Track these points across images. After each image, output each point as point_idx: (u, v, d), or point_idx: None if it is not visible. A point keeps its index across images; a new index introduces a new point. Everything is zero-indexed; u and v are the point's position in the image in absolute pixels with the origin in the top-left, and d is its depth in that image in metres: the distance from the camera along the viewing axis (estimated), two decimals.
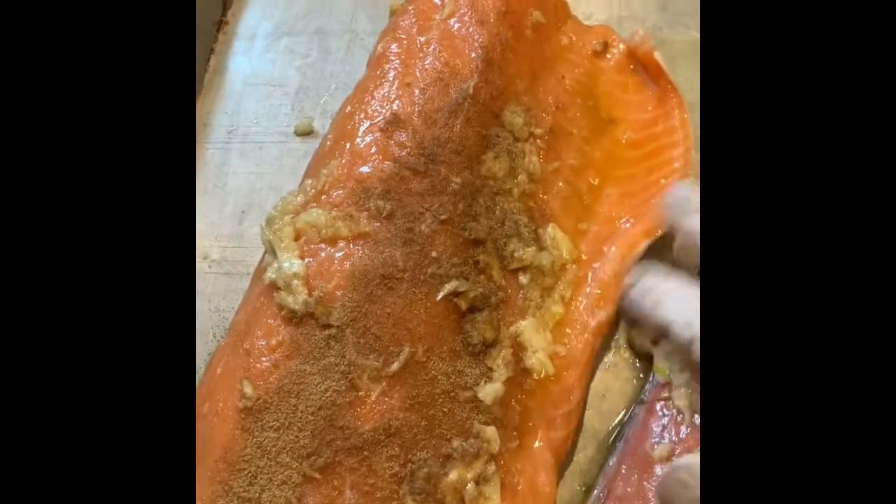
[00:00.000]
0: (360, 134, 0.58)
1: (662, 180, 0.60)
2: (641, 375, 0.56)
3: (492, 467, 0.48)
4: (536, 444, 0.51)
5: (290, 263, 0.52)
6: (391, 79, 0.60)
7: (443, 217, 0.53)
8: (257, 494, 0.47)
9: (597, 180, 0.61)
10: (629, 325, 0.57)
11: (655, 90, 0.65)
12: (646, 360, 0.55)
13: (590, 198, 0.60)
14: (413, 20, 0.64)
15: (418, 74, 0.60)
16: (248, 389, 0.49)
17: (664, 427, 0.50)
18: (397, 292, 0.51)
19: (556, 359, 0.53)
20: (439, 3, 0.64)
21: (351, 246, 0.53)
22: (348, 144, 0.57)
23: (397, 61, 0.61)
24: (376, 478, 0.47)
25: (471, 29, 0.62)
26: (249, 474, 0.47)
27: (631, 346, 0.57)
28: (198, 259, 0.63)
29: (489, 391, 0.50)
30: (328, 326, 0.50)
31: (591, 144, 0.62)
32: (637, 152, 0.62)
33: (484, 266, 0.53)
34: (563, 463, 0.52)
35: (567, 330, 0.54)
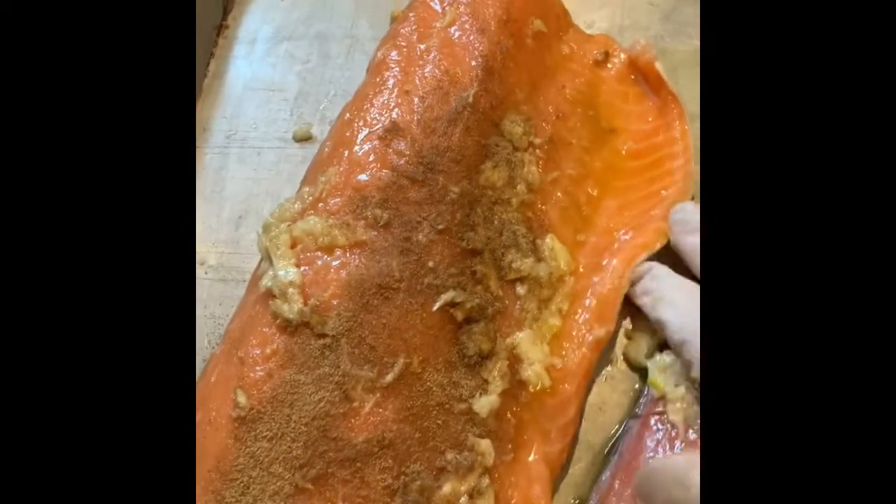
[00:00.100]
0: (358, 141, 0.57)
1: (662, 192, 0.60)
2: (637, 387, 0.56)
3: (486, 480, 0.48)
4: (531, 458, 0.51)
5: (286, 272, 0.52)
6: (391, 86, 0.60)
7: (440, 227, 0.53)
8: None
9: (596, 191, 0.60)
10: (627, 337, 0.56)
11: (656, 100, 0.64)
12: (641, 373, 0.55)
13: (589, 209, 0.59)
14: (413, 27, 0.63)
15: (418, 82, 0.59)
16: (241, 399, 0.49)
17: (658, 442, 0.50)
18: (393, 302, 0.51)
19: (553, 371, 0.52)
20: (440, 10, 0.64)
21: (347, 255, 0.52)
22: (346, 152, 0.57)
23: (397, 69, 0.61)
24: (369, 490, 0.46)
25: (471, 37, 0.61)
26: (242, 484, 0.47)
27: (626, 360, 0.56)
28: None
29: (484, 403, 0.49)
30: (323, 336, 0.50)
31: (591, 154, 0.62)
32: (637, 163, 0.62)
33: (481, 276, 0.53)
34: (557, 476, 0.52)
35: (564, 343, 0.54)
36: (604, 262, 0.57)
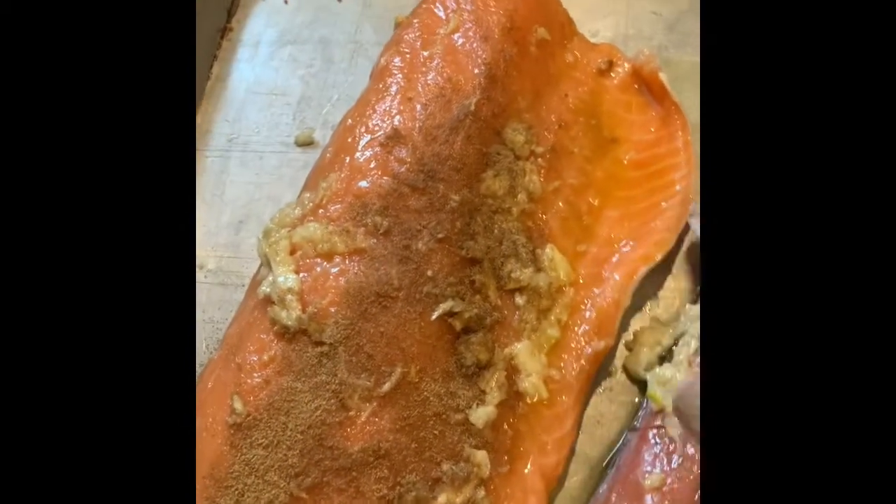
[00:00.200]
0: (359, 148, 0.57)
1: (662, 203, 0.59)
2: (637, 400, 0.55)
3: (481, 492, 0.48)
4: (527, 470, 0.50)
5: (285, 278, 0.52)
6: (393, 93, 0.60)
7: (440, 235, 0.53)
8: None
9: (597, 201, 0.60)
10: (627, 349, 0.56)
11: (659, 111, 0.64)
12: (641, 385, 0.55)
13: (589, 219, 0.59)
14: (417, 34, 0.63)
15: (420, 89, 0.59)
16: (238, 405, 0.48)
17: (656, 456, 0.50)
18: (392, 311, 0.50)
19: (551, 383, 0.52)
20: (444, 17, 0.63)
21: (347, 262, 0.52)
22: (348, 158, 0.57)
23: (400, 75, 0.61)
24: (364, 500, 0.46)
25: (475, 45, 0.61)
26: (236, 492, 0.46)
27: (626, 372, 0.56)
28: None
29: (481, 414, 0.49)
30: (321, 343, 0.49)
31: (593, 164, 0.61)
32: (639, 173, 0.62)
33: (480, 286, 0.53)
34: (553, 489, 0.52)
35: (563, 354, 0.54)
36: (604, 274, 0.57)
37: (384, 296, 0.51)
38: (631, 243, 0.58)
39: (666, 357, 0.56)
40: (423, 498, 0.46)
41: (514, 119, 0.60)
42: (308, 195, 0.56)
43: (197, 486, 0.48)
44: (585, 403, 0.55)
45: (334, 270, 0.52)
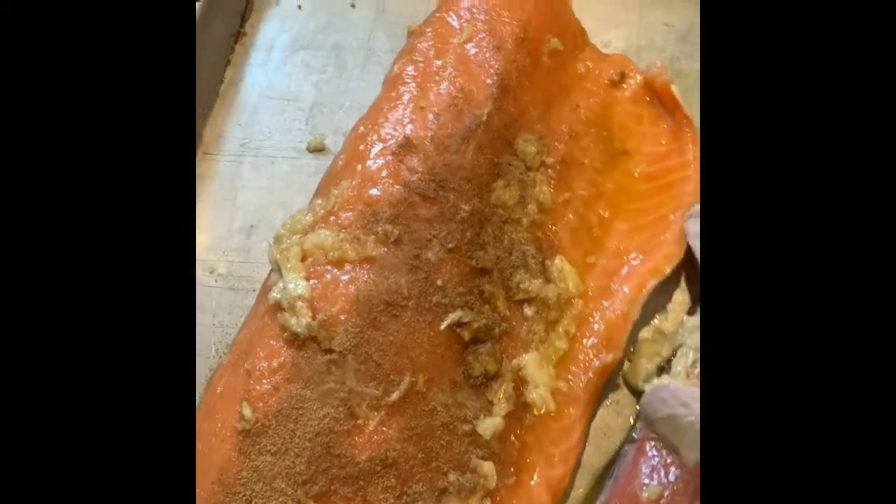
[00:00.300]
0: (371, 156, 0.57)
1: (672, 216, 0.60)
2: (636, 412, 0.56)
3: (487, 503, 0.48)
4: (533, 482, 0.51)
5: (296, 284, 0.52)
6: (405, 101, 0.60)
7: (450, 245, 0.53)
8: None
9: (607, 213, 0.60)
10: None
11: (671, 123, 0.64)
12: (640, 397, 0.55)
13: (599, 230, 0.59)
14: (430, 43, 0.63)
15: (433, 98, 0.60)
16: (247, 412, 0.49)
17: (654, 468, 0.50)
18: (401, 320, 0.51)
19: (558, 395, 0.52)
20: (457, 26, 0.64)
21: (357, 270, 0.53)
22: (359, 166, 0.57)
23: (412, 84, 0.61)
24: None
25: (487, 54, 0.61)
26: (244, 498, 0.47)
27: (626, 383, 0.56)
28: (204, 272, 0.63)
29: (488, 425, 0.49)
30: (330, 351, 0.50)
31: (603, 176, 0.62)
32: (649, 186, 0.62)
33: (489, 296, 0.53)
34: (559, 501, 0.52)
35: (571, 366, 0.54)
36: (613, 286, 0.57)
37: (394, 304, 0.51)
38: (640, 256, 0.58)
39: (665, 368, 0.56)
40: None
41: (525, 130, 0.60)
42: (319, 202, 0.57)
43: (205, 492, 0.48)
44: (593, 416, 0.55)
45: (344, 278, 0.52)
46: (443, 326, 0.51)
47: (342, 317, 0.51)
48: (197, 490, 0.48)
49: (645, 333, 0.57)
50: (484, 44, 0.62)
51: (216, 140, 0.70)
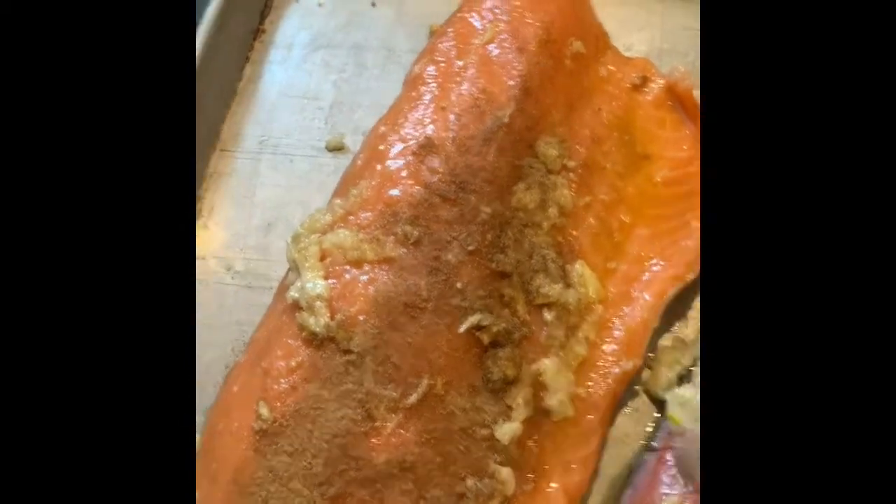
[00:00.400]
0: (391, 156, 0.57)
1: (693, 222, 0.59)
2: (657, 415, 0.55)
3: None
4: (551, 488, 0.50)
5: (314, 284, 0.52)
6: (426, 102, 0.60)
7: (470, 248, 0.52)
8: None
9: (628, 218, 0.60)
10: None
11: (693, 129, 0.63)
12: (660, 405, 0.54)
13: (620, 236, 0.59)
14: (452, 43, 0.63)
15: (454, 99, 0.59)
16: (264, 411, 0.49)
17: (674, 477, 0.49)
18: (419, 322, 0.50)
19: (577, 401, 0.52)
20: (479, 27, 0.63)
21: (376, 270, 0.52)
22: (379, 166, 0.57)
23: (433, 84, 0.61)
24: None
25: (510, 56, 0.61)
26: (260, 499, 0.47)
27: (646, 391, 0.55)
28: (221, 270, 0.63)
29: (507, 430, 0.49)
30: (348, 352, 0.49)
31: (625, 180, 0.61)
32: (671, 191, 0.61)
33: (509, 300, 0.52)
34: None
35: (590, 373, 0.53)
36: (634, 293, 0.56)
37: (413, 306, 0.51)
38: (661, 262, 0.57)
39: (686, 377, 0.55)
40: None
41: (547, 132, 0.59)
42: (338, 201, 0.56)
43: (220, 491, 0.48)
44: (611, 423, 0.54)
45: (363, 278, 0.52)
46: (462, 329, 0.50)
47: (361, 317, 0.50)
48: (213, 489, 0.48)
49: (665, 341, 0.56)
50: (506, 45, 0.61)
51: (234, 137, 0.70)
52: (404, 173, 0.56)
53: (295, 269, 0.54)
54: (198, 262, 0.63)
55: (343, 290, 0.52)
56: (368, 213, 0.55)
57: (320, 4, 0.77)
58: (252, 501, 0.46)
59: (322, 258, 0.53)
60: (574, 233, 0.57)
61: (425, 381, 0.49)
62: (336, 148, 0.69)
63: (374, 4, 0.77)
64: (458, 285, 0.51)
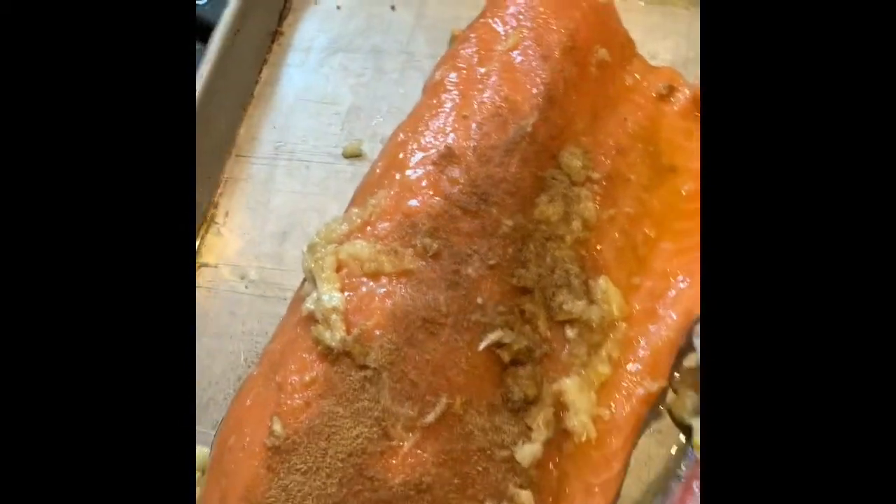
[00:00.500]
0: (411, 165, 0.56)
1: None
2: (684, 440, 0.53)
3: None
4: None
5: (330, 296, 0.50)
6: (447, 109, 0.58)
7: (491, 262, 0.51)
8: None
9: (653, 232, 0.58)
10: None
11: None
12: (687, 430, 0.53)
13: (645, 250, 0.57)
14: (474, 49, 0.62)
15: (476, 107, 0.58)
16: (277, 427, 0.47)
17: None
18: (438, 338, 0.49)
19: (600, 423, 0.50)
20: (502, 33, 0.62)
21: (393, 283, 0.51)
22: (398, 175, 0.55)
23: (455, 91, 0.59)
24: None
25: (534, 63, 0.59)
26: None
27: (671, 415, 0.54)
28: (234, 278, 0.62)
29: (527, 452, 0.47)
30: (364, 367, 0.48)
31: (650, 193, 0.59)
32: (697, 205, 0.59)
33: (530, 316, 0.51)
34: None
35: (613, 393, 0.52)
36: (660, 311, 0.54)
37: (431, 321, 0.49)
38: (688, 279, 0.56)
39: None
40: None
41: (570, 143, 0.58)
42: (356, 211, 0.55)
43: None
44: (634, 446, 0.53)
45: (381, 291, 0.51)
46: (482, 347, 0.49)
47: (377, 332, 0.49)
48: None
49: (690, 362, 0.54)
50: (530, 52, 0.60)
51: (250, 142, 0.69)
52: (424, 183, 0.54)
53: (311, 279, 0.53)
54: (211, 270, 0.62)
55: (359, 304, 0.50)
56: (386, 224, 0.53)
57: (339, 7, 0.76)
58: None
59: (338, 269, 0.52)
60: (598, 247, 0.56)
61: (444, 400, 0.47)
62: (353, 155, 0.67)
63: (393, 8, 0.75)
64: (479, 300, 0.50)
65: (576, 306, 0.52)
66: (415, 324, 0.49)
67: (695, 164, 0.61)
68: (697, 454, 0.50)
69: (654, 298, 0.55)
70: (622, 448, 0.51)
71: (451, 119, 0.57)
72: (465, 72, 0.60)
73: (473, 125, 0.56)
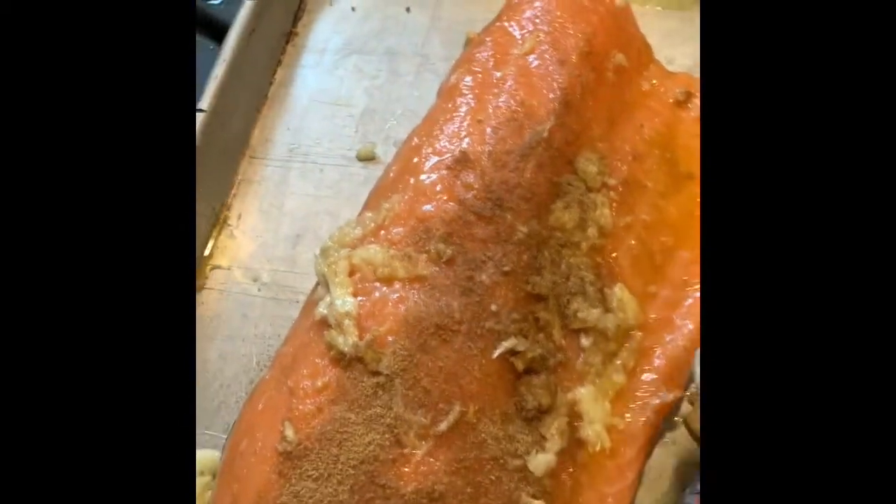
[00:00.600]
0: (425, 170, 0.55)
1: None
2: (699, 453, 0.53)
3: None
4: None
5: (343, 301, 0.50)
6: (462, 114, 0.58)
7: (506, 268, 0.50)
8: None
9: (670, 240, 0.57)
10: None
11: None
12: None
13: (661, 258, 0.57)
14: (490, 53, 0.61)
15: (491, 111, 0.57)
16: (289, 432, 0.47)
17: None
18: (452, 345, 0.48)
19: (614, 432, 0.50)
20: (519, 37, 0.61)
21: (407, 289, 0.50)
22: (412, 179, 0.55)
23: (470, 95, 0.59)
24: None
25: (550, 68, 0.59)
26: None
27: (687, 427, 0.53)
28: (247, 281, 0.62)
29: (541, 462, 0.47)
30: (377, 374, 0.48)
31: (667, 200, 0.59)
32: None
33: (544, 324, 0.50)
34: None
35: (628, 403, 0.51)
36: (676, 320, 0.54)
37: (444, 328, 0.49)
38: None
39: None
40: None
41: (587, 148, 0.57)
42: (369, 215, 0.55)
43: None
44: (649, 456, 0.52)
45: (394, 297, 0.50)
46: (495, 354, 0.48)
47: (390, 338, 0.48)
48: None
49: None
50: (547, 56, 0.59)
51: (264, 144, 0.69)
52: (438, 188, 0.54)
53: (324, 283, 0.52)
54: (223, 272, 0.62)
55: (372, 309, 0.50)
56: (400, 229, 0.53)
57: (354, 8, 0.76)
58: None
59: (351, 273, 0.52)
60: (614, 254, 0.55)
61: (457, 408, 0.47)
62: (367, 157, 0.67)
63: (408, 9, 0.75)
64: (493, 307, 0.50)
65: (591, 314, 0.51)
66: (428, 330, 0.48)
67: None
68: None
69: (671, 307, 0.55)
70: (636, 458, 0.50)
71: (466, 123, 0.57)
72: (480, 75, 0.60)
73: (489, 130, 0.56)
